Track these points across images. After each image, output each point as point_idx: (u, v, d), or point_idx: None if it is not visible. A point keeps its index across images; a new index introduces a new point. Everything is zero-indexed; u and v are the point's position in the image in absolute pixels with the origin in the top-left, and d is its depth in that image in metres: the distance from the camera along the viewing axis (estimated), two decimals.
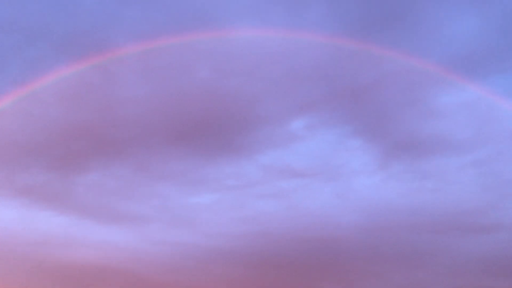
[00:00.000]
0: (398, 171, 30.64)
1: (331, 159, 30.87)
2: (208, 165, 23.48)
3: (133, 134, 19.76)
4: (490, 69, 18.04)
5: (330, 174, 30.91)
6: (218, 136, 22.47)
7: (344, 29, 16.79)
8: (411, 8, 17.25)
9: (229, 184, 25.11)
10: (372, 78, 19.63)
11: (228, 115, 20.52)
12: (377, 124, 26.30)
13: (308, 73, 18.96)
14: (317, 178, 31.57)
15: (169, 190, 21.67)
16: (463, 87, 18.00)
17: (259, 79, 19.08)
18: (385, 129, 25.90)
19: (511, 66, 17.80)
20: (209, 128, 21.21)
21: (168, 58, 17.66)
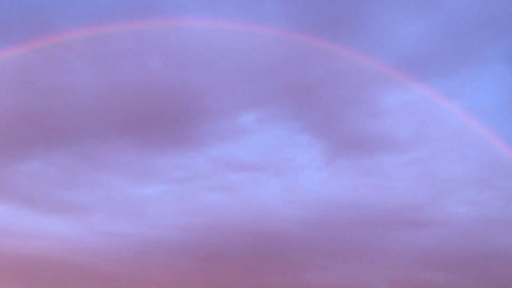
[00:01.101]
0: (344, 167, 31.26)
1: (279, 154, 31.10)
2: (155, 156, 23.13)
3: (78, 122, 19.20)
4: (432, 72, 18.75)
5: (278, 168, 31.11)
6: (167, 127, 22.19)
7: (297, 25, 16.99)
8: (363, 9, 17.67)
9: (177, 175, 24.84)
10: (322, 75, 19.96)
11: (177, 106, 20.31)
12: (325, 121, 26.76)
13: (260, 67, 19.05)
14: (265, 172, 31.66)
15: (115, 180, 21.18)
16: (407, 88, 18.64)
17: (210, 71, 18.98)
18: (333, 126, 26.40)
19: (451, 70, 18.58)
20: (157, 119, 20.90)
21: (117, 45, 17.24)
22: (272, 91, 21.43)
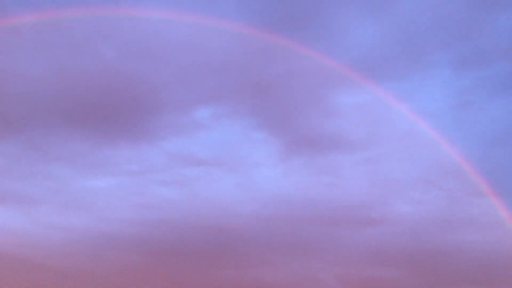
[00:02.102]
0: (298, 165, 31.89)
1: (234, 150, 31.26)
2: (107, 148, 22.67)
3: (26, 111, 18.57)
4: (385, 75, 19.29)
5: (233, 165, 31.25)
6: (120, 119, 21.79)
7: (257, 21, 17.05)
8: (321, 9, 17.95)
9: (130, 169, 24.46)
10: (278, 74, 20.12)
11: (131, 98, 19.96)
12: (280, 119, 27.11)
13: (217, 62, 18.99)
14: (220, 168, 31.74)
15: (64, 172, 20.61)
16: (360, 90, 19.08)
17: (166, 64, 18.77)
18: (288, 124, 26.77)
19: (403, 73, 19.21)
20: (110, 111, 20.47)
21: (70, 32, 16.76)
22: (229, 87, 21.37)
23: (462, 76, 24.16)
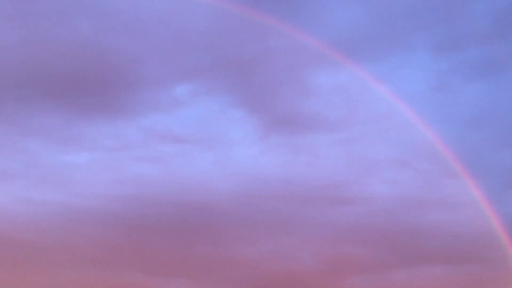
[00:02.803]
0: (276, 144, 32.23)
1: (212, 128, 31.36)
2: (84, 123, 22.42)
3: (0, 84, 18.17)
4: (364, 56, 19.42)
5: (211, 142, 31.43)
6: (97, 94, 21.50)
7: None
8: None
9: (107, 144, 24.29)
10: (258, 52, 20.05)
11: (108, 72, 19.66)
12: (259, 97, 27.21)
13: (197, 38, 18.80)
14: (198, 145, 31.96)
15: (40, 146, 20.34)
16: (339, 70, 19.17)
17: (144, 39, 18.50)
18: (267, 103, 26.91)
19: (381, 55, 19.40)
20: (87, 85, 20.15)
21: (44, 4, 16.33)
22: (208, 64, 21.23)
23: (441, 59, 24.45)
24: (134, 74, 20.06)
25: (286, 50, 19.64)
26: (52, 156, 22.72)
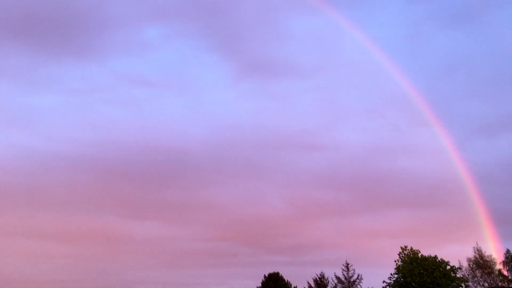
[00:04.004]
0: (248, 90, 32.03)
1: (184, 72, 30.83)
2: (52, 65, 21.69)
3: None
4: (339, 2, 19.06)
5: (183, 87, 31.04)
6: (64, 35, 20.68)
7: None
8: None
9: (75, 87, 23.70)
10: None
11: (77, 12, 18.83)
12: (232, 42, 26.67)
13: None
14: (169, 89, 31.50)
15: (6, 87, 19.71)
16: (314, 15, 18.80)
17: None
18: (240, 48, 26.43)
19: (357, 1, 18.97)
20: (55, 25, 19.33)
21: None
22: (179, 6, 20.55)
23: (414, 7, 24.21)
24: (102, 14, 19.22)
25: None
26: (19, 98, 22.00)
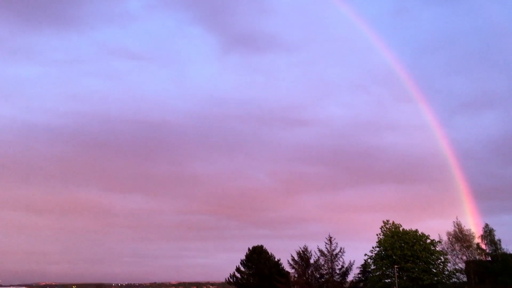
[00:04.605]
0: (233, 64, 32.51)
1: (168, 44, 30.92)
2: (32, 34, 21.37)
3: None
4: None
5: (167, 59, 31.29)
6: (46, 4, 20.26)
7: None
8: None
9: (57, 58, 23.44)
10: None
11: None
12: (217, 14, 26.61)
13: None
14: (154, 62, 31.82)
15: None
16: None
17: None
18: (225, 20, 26.42)
19: None
20: None
21: None
22: None
23: None
24: None
25: None
26: None
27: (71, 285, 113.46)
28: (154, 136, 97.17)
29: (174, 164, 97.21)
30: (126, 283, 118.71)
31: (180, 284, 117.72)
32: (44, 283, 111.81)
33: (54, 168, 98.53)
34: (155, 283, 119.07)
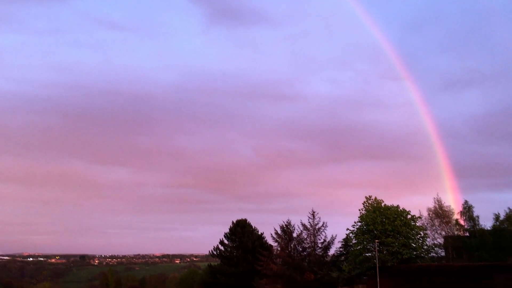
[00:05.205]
0: (219, 37, 32.27)
1: (153, 16, 30.46)
2: (13, 2, 20.85)
3: None
4: None
5: (152, 31, 30.89)
6: None
7: None
8: None
9: (38, 27, 22.96)
10: None
11: None
12: None
13: None
14: (137, 33, 31.32)
15: None
16: None
17: None
18: None
19: None
20: None
21: None
22: None
23: None
24: None
25: None
26: None
27: (55, 255, 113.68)
28: (138, 108, 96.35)
29: (158, 138, 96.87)
30: (110, 254, 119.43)
31: (164, 256, 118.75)
32: (27, 253, 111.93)
33: (38, 139, 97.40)
34: (139, 254, 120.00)
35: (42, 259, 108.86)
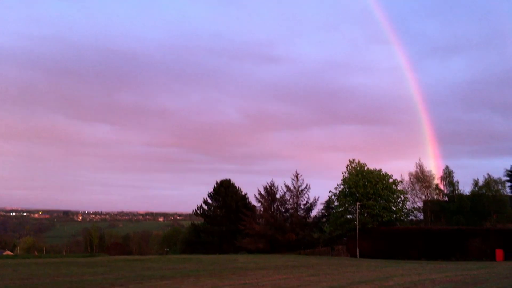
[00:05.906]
0: None
1: None
2: None
3: None
4: None
5: None
6: None
7: None
8: None
9: None
10: None
11: None
12: None
13: None
14: None
15: None
16: None
17: None
18: None
19: None
20: None
21: None
22: None
23: None
24: None
25: None
26: None
27: (38, 210, 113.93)
28: (121, 65, 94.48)
29: (142, 95, 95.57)
30: (94, 211, 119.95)
31: (147, 214, 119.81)
32: (10, 208, 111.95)
33: (19, 93, 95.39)
34: (122, 212, 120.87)
35: (25, 213, 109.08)
